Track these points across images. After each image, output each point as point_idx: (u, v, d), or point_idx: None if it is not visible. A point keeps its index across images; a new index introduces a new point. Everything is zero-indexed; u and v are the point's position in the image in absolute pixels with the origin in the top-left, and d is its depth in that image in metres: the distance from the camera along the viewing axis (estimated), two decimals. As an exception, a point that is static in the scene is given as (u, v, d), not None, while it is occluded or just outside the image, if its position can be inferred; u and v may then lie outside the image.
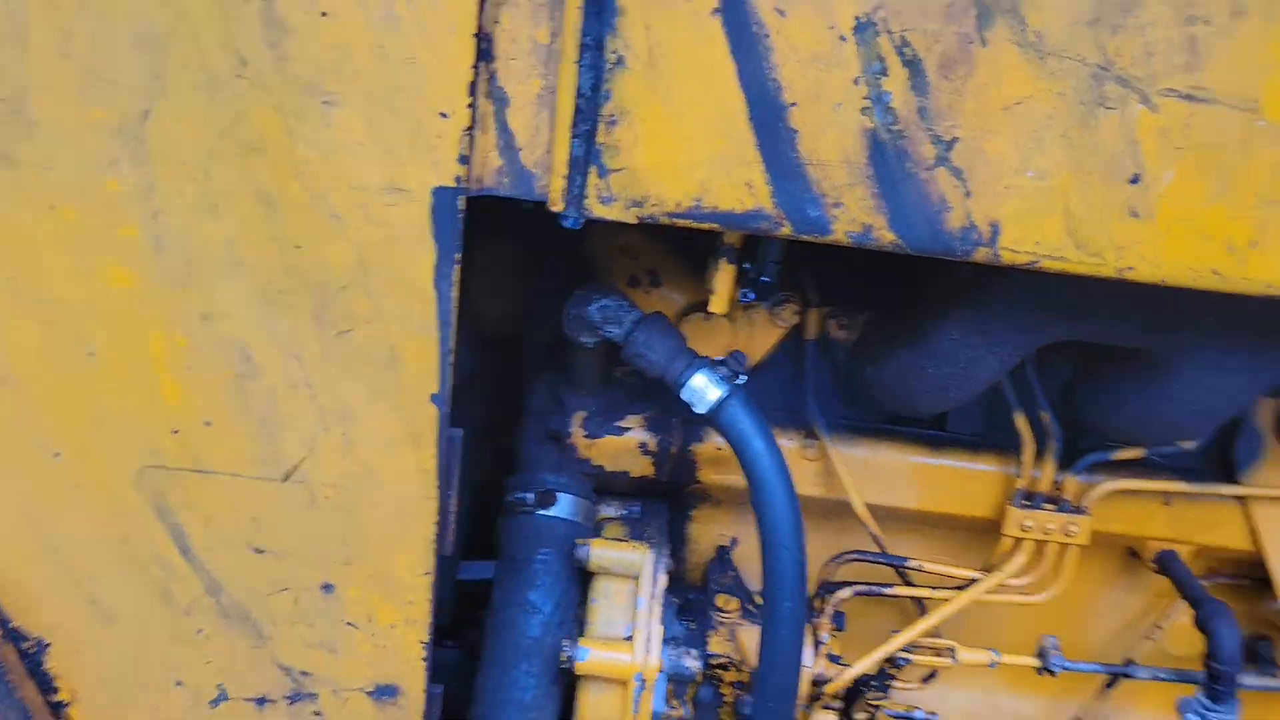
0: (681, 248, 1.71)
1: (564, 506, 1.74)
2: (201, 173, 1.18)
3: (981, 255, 1.21)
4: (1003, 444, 1.82)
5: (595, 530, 1.79)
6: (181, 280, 1.22)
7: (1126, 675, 1.87)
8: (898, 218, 1.20)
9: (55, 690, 1.40)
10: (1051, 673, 1.82)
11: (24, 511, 1.32)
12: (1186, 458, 1.84)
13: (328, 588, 1.37)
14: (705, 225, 1.21)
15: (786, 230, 1.20)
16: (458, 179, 1.19)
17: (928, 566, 1.83)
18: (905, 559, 1.83)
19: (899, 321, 1.63)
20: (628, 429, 1.76)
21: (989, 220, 1.19)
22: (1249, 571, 1.94)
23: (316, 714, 1.43)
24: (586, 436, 1.76)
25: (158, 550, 1.34)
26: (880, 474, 1.82)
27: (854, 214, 1.20)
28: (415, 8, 1.12)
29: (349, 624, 1.39)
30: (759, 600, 1.81)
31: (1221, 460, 1.83)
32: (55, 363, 1.25)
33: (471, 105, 1.16)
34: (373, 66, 1.15)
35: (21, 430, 1.28)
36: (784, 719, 1.54)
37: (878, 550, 1.84)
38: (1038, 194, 1.18)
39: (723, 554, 1.92)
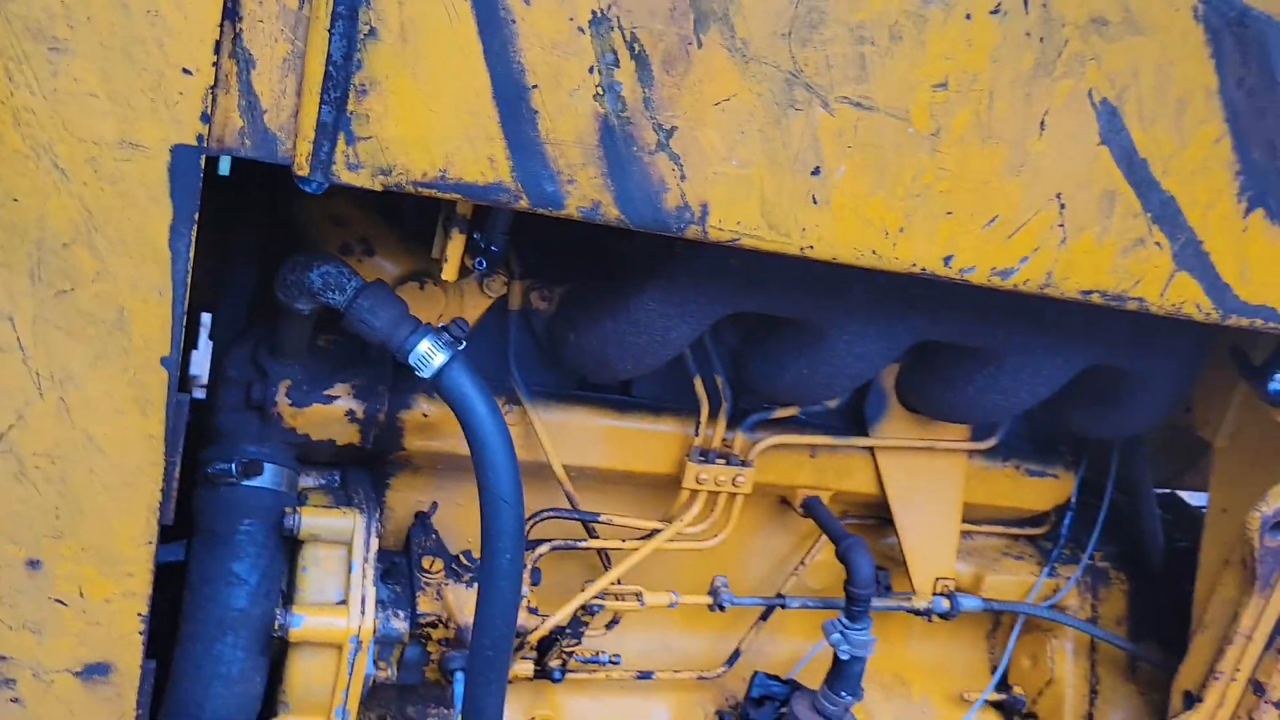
0: (394, 218, 1.74)
1: (269, 477, 1.72)
2: (-101, 114, 1.08)
3: (692, 232, 1.37)
4: (680, 407, 2.03)
5: (299, 500, 1.78)
6: None
7: (783, 606, 2.14)
8: (623, 196, 1.32)
9: None
10: (722, 608, 2.06)
11: None
12: (828, 415, 2.15)
13: (34, 564, 1.29)
14: (449, 195, 1.27)
15: (524, 203, 1.30)
16: (199, 137, 1.17)
17: (616, 520, 2.00)
18: (597, 514, 1.99)
19: (599, 293, 1.77)
20: (336, 397, 1.77)
21: (700, 201, 1.35)
22: (875, 512, 2.28)
23: (14, 700, 1.34)
24: (292, 405, 1.75)
25: None
26: (574, 436, 1.96)
27: (585, 191, 1.31)
28: (159, -41, 1.10)
29: (57, 601, 1.31)
30: (463, 560, 1.89)
31: (854, 416, 2.15)
32: None
33: (216, 64, 1.15)
34: (109, 15, 1.10)
35: None
36: (500, 667, 1.63)
37: (571, 507, 1.98)
38: (740, 180, 1.36)
39: (423, 519, 1.97)
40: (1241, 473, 2.05)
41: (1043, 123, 1.45)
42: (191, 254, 1.22)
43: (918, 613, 2.21)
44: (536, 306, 1.88)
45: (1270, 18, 1.49)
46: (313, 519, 1.69)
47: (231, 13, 1.16)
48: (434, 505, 1.99)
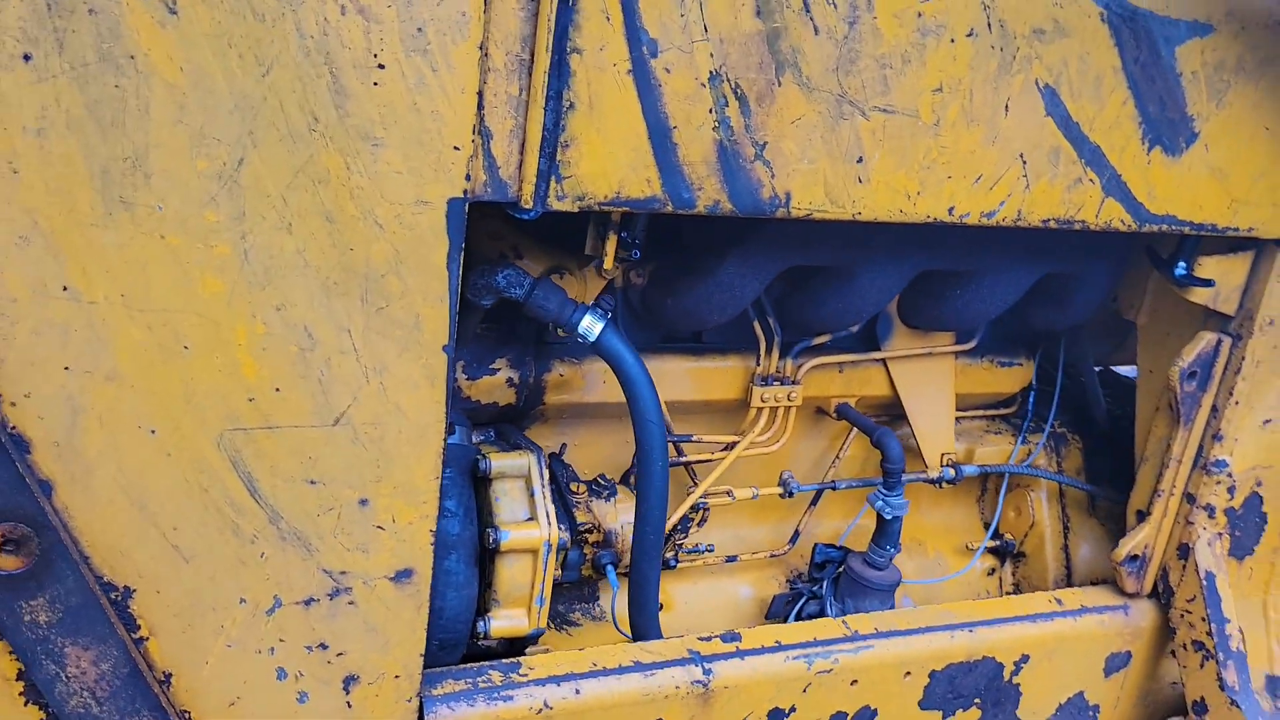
0: (528, 228, 2.28)
1: (459, 435, 2.26)
2: (281, 201, 1.60)
3: (781, 213, 1.94)
4: (740, 346, 2.62)
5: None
6: (262, 282, 1.63)
7: (834, 488, 2.76)
8: (734, 195, 1.89)
9: (138, 628, 1.72)
10: (791, 494, 2.66)
11: (121, 483, 1.64)
12: (850, 339, 2.76)
13: (364, 502, 1.82)
14: (622, 209, 1.83)
15: (670, 208, 1.86)
16: (464, 192, 1.70)
17: (705, 439, 2.59)
18: (689, 436, 2.57)
19: (689, 265, 2.33)
20: (498, 369, 2.32)
21: (785, 191, 1.93)
22: (887, 411, 2.91)
23: (351, 603, 1.87)
24: (467, 379, 2.29)
25: (231, 496, 1.72)
26: (667, 377, 2.53)
27: (710, 194, 1.88)
28: (439, 76, 1.62)
29: (378, 527, 1.85)
30: (600, 481, 2.46)
31: (868, 337, 2.77)
32: (155, 358, 1.60)
33: (473, 141, 1.69)
34: (409, 118, 1.63)
35: (122, 416, 1.61)
36: (656, 548, 2.21)
37: (669, 432, 2.56)
38: (810, 173, 1.94)
39: (556, 457, 2.53)
40: (1159, 341, 2.69)
41: (1007, 106, 2.05)
42: (460, 272, 1.76)
43: (931, 481, 2.85)
44: (634, 283, 2.44)
45: (1152, 13, 2.11)
46: (500, 461, 2.24)
47: (480, 104, 1.69)
48: (563, 446, 2.55)
